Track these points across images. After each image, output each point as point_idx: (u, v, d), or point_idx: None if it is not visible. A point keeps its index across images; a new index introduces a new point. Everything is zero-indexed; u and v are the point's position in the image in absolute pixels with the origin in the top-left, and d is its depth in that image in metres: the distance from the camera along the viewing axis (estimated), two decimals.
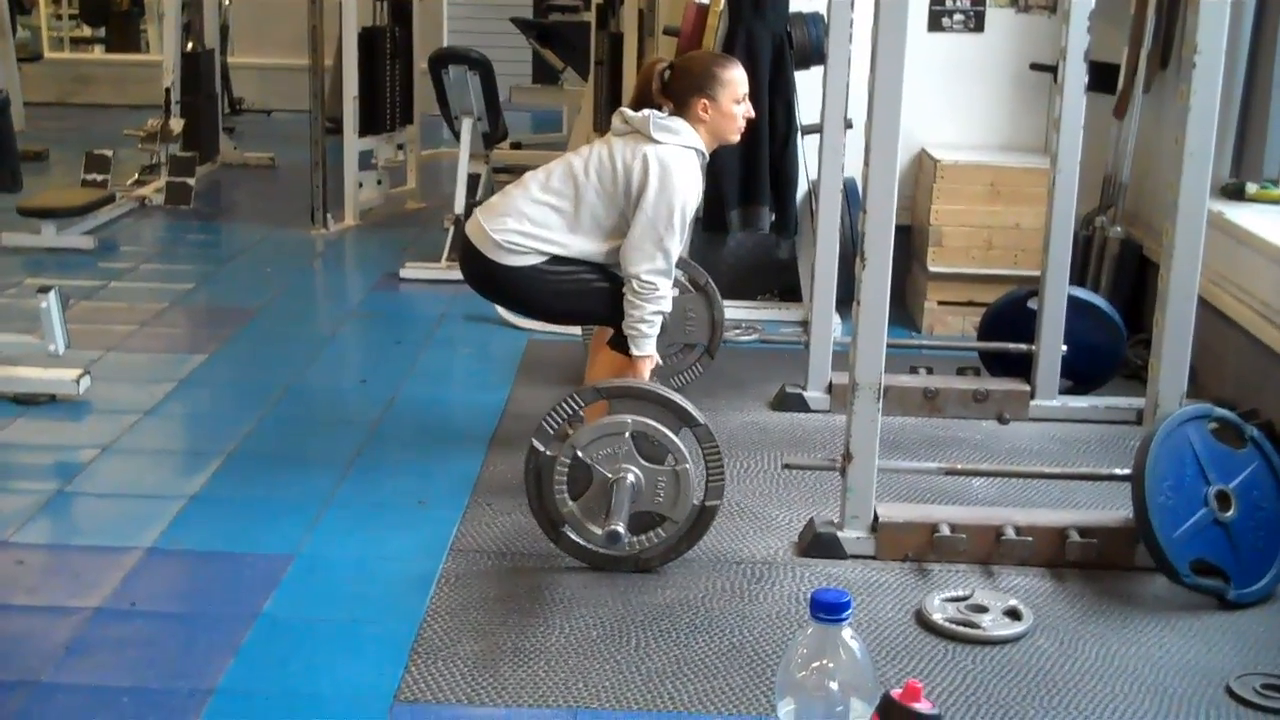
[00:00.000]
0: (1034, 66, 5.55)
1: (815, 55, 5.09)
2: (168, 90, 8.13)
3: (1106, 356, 4.59)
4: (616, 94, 6.95)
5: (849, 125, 4.39)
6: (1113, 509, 3.52)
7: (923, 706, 2.10)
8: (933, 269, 5.45)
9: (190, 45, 8.61)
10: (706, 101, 3.71)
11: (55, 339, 4.44)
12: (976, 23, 5.69)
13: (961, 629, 3.01)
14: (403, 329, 5.54)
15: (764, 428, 4.36)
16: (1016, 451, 4.20)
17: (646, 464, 3.21)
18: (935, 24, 5.67)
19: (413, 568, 3.31)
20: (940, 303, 5.50)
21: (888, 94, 3.18)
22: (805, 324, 4.83)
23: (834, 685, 2.07)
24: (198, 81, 8.44)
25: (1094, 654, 2.95)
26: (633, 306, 3.65)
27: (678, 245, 3.66)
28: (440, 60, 6.66)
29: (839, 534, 3.38)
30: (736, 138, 3.83)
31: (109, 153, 7.31)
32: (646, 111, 3.70)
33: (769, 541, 3.48)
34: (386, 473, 3.95)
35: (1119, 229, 5.19)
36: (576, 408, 3.28)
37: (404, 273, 6.24)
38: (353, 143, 7.18)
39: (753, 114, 3.83)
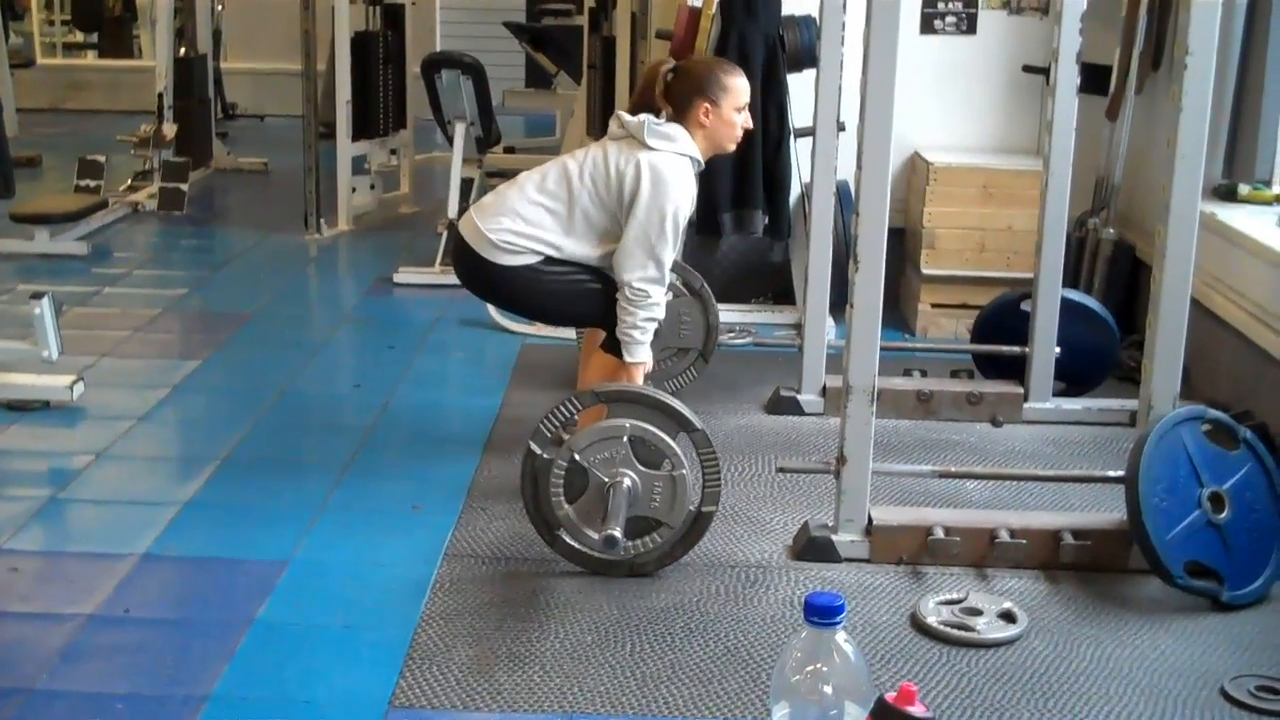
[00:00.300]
0: (1026, 68, 5.56)
1: (808, 58, 5.09)
2: (160, 96, 8.12)
3: (1099, 358, 4.59)
4: (609, 98, 6.95)
5: (842, 128, 4.39)
6: (1106, 511, 3.52)
7: (917, 710, 2.09)
8: (926, 271, 5.46)
9: (183, 50, 8.62)
10: (708, 105, 3.70)
11: (48, 345, 4.43)
12: (968, 25, 5.69)
13: (956, 632, 3.01)
14: (396, 334, 5.54)
15: (758, 431, 4.36)
16: (1010, 454, 4.20)
17: (643, 469, 3.21)
18: (927, 26, 5.67)
19: (407, 573, 3.30)
20: (933, 305, 5.51)
21: (880, 97, 3.18)
22: (799, 327, 4.83)
23: (828, 689, 2.07)
24: (190, 87, 8.44)
25: (1088, 656, 2.95)
26: (625, 313, 3.65)
27: (670, 253, 3.66)
28: (433, 64, 6.66)
29: (833, 537, 3.38)
30: (733, 147, 3.83)
31: (102, 158, 7.31)
32: (642, 117, 3.69)
33: (763, 545, 3.48)
34: (381, 478, 3.94)
35: (1111, 231, 5.20)
36: (574, 411, 3.27)
37: (398, 277, 6.24)
38: (346, 147, 7.18)
39: (751, 125, 3.82)
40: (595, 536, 3.17)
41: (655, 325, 3.71)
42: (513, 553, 3.41)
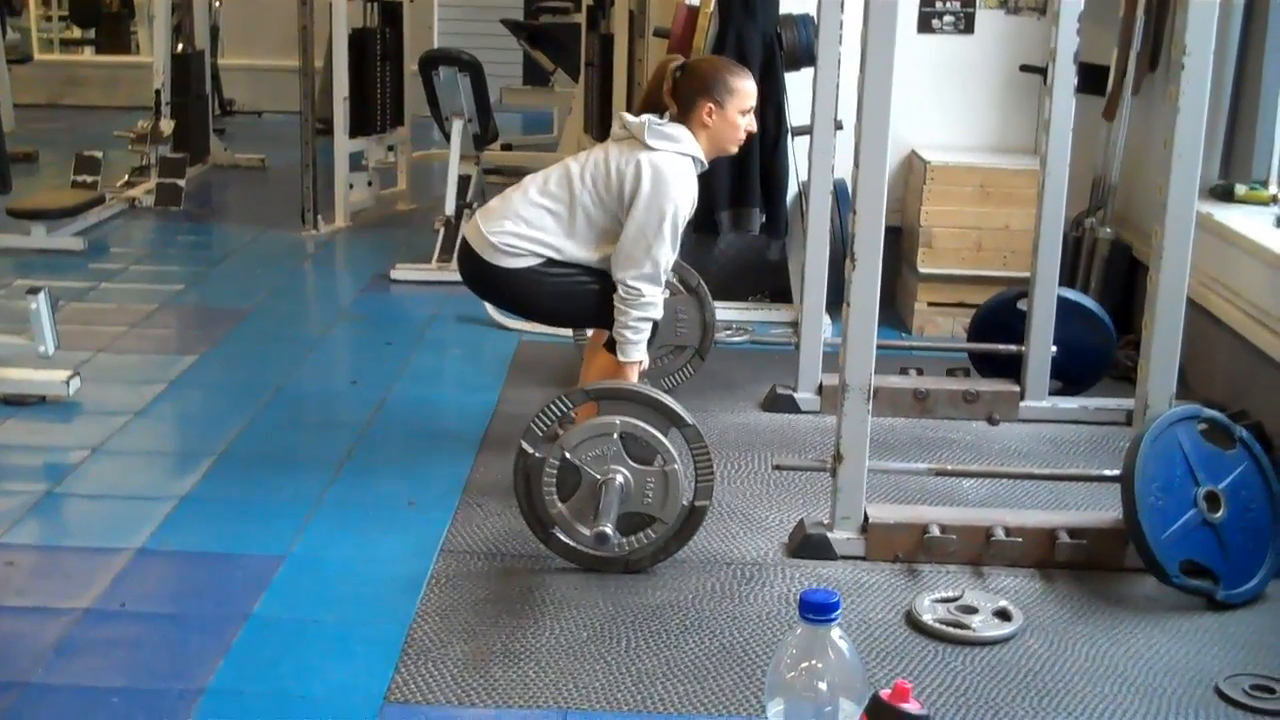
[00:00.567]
0: (1023, 68, 5.56)
1: (805, 57, 5.09)
2: (158, 92, 8.11)
3: (1096, 357, 4.60)
4: (607, 95, 6.95)
5: (839, 126, 4.39)
6: (1102, 510, 3.53)
7: (911, 707, 2.10)
8: (923, 270, 5.46)
9: (180, 47, 8.61)
10: (712, 106, 3.70)
11: (45, 340, 4.43)
12: (966, 24, 5.69)
13: (951, 630, 3.02)
14: (393, 330, 5.54)
15: (754, 429, 4.36)
16: (1006, 452, 4.21)
17: (635, 465, 3.21)
18: (925, 25, 5.67)
19: (403, 569, 3.30)
20: (930, 304, 5.51)
21: (878, 95, 3.18)
22: (795, 325, 4.83)
23: (823, 686, 2.07)
24: (188, 83, 8.43)
25: (1084, 655, 2.96)
26: (621, 312, 3.65)
27: (669, 253, 3.65)
28: (431, 61, 6.65)
29: (829, 535, 3.38)
30: (736, 149, 3.83)
31: (99, 154, 7.29)
32: (644, 117, 3.69)
33: (759, 542, 3.48)
34: (377, 474, 3.94)
35: (1108, 230, 5.20)
36: (565, 409, 3.28)
37: (394, 274, 6.24)
38: (343, 144, 7.17)
39: (755, 128, 3.82)
40: (588, 533, 3.17)
41: (651, 325, 3.71)
42: (508, 549, 3.41)
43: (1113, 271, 5.18)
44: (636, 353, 3.69)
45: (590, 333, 4.19)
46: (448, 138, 6.74)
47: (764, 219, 5.35)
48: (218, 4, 9.91)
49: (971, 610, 3.09)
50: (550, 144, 9.42)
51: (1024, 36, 5.66)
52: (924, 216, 5.43)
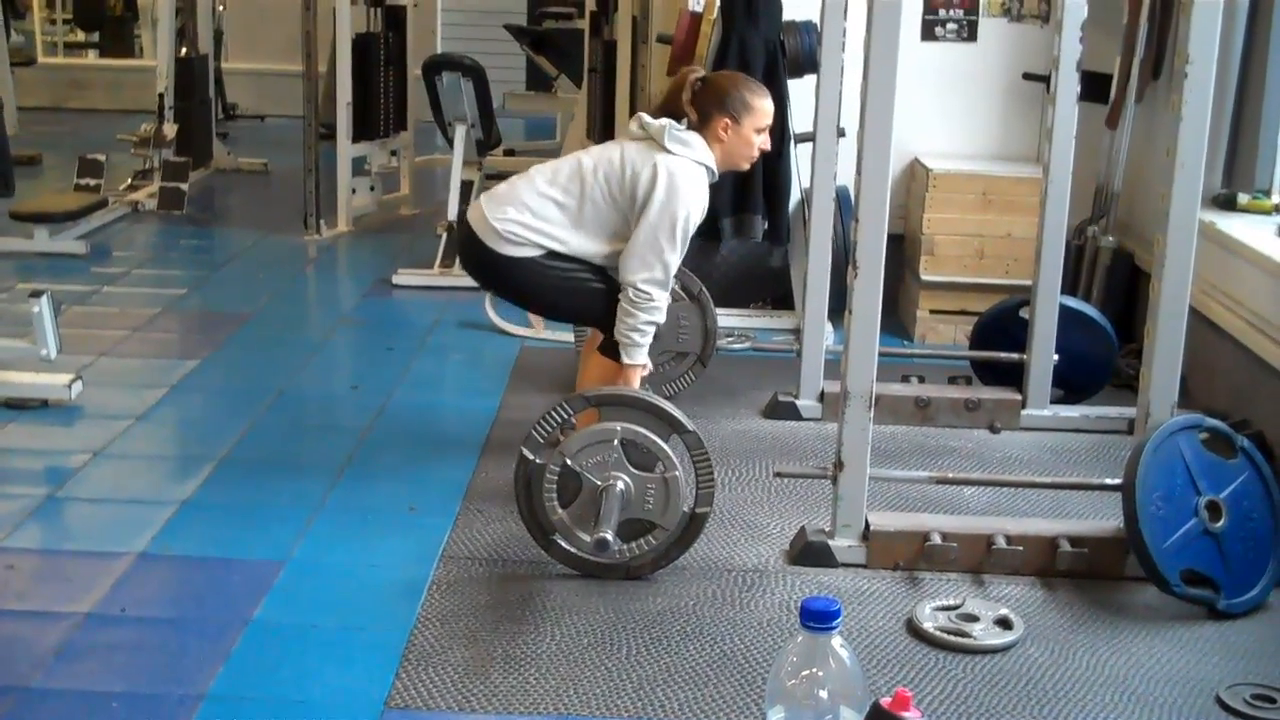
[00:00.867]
0: (1026, 76, 5.56)
1: (808, 64, 5.10)
2: (161, 95, 8.12)
3: (1098, 366, 4.59)
4: (610, 101, 6.96)
5: (842, 134, 4.40)
6: (1103, 519, 3.53)
7: (912, 715, 2.10)
8: (925, 278, 5.46)
9: (184, 50, 8.62)
10: (729, 121, 3.71)
11: (47, 344, 4.43)
12: (969, 32, 5.70)
13: (952, 638, 3.01)
14: (395, 335, 5.54)
15: (756, 436, 4.36)
16: (1008, 461, 4.21)
17: (636, 471, 3.21)
18: (928, 33, 5.68)
19: (404, 574, 3.30)
20: (932, 311, 5.51)
21: (880, 103, 3.18)
22: (797, 332, 4.83)
23: (824, 693, 2.07)
24: (191, 87, 8.44)
25: (1084, 663, 2.95)
26: (626, 314, 3.66)
27: (677, 258, 3.66)
28: (434, 67, 6.66)
29: (830, 542, 3.38)
30: (747, 165, 3.86)
31: (102, 157, 7.31)
32: (664, 120, 3.70)
33: (760, 549, 3.48)
34: (378, 479, 3.94)
35: (1111, 239, 5.20)
36: (566, 415, 3.28)
37: (397, 279, 6.24)
38: (346, 149, 7.18)
39: (769, 147, 3.83)
40: (589, 539, 3.16)
41: (655, 329, 3.71)
42: (509, 555, 3.41)
43: (1115, 280, 5.18)
44: (640, 355, 3.70)
45: (588, 333, 4.19)
46: (450, 143, 6.75)
47: (766, 226, 5.36)
48: (222, 8, 9.93)
49: (972, 618, 3.08)
50: (553, 149, 9.41)
51: (1027, 44, 5.66)
52: (926, 224, 5.43)
